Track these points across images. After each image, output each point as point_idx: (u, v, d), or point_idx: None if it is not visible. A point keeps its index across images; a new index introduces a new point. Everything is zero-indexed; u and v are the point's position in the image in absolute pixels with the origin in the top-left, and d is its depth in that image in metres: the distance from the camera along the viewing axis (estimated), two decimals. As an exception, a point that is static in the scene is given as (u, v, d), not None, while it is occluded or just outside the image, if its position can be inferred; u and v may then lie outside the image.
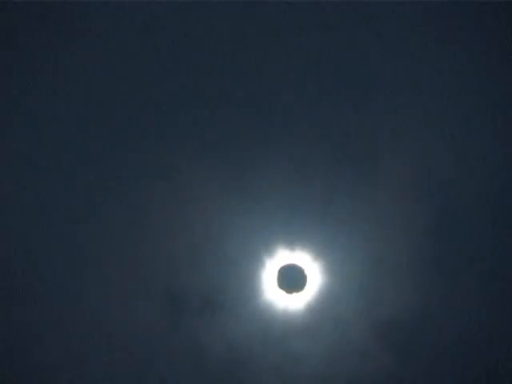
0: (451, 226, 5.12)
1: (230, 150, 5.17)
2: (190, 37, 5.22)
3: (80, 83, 5.20)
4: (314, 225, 5.09)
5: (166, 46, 5.22)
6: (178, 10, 5.20)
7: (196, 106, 5.20)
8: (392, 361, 5.10)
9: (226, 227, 5.07)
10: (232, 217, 5.07)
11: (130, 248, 5.11)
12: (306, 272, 5.00)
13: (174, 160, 5.13)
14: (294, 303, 5.03)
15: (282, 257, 5.02)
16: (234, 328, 5.06)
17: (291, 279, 4.99)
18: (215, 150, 5.17)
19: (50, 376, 5.03)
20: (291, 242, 5.01)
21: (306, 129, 5.19)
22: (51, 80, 5.17)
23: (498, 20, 5.19)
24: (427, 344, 5.18)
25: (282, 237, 5.01)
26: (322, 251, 5.05)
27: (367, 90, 5.19)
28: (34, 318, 5.07)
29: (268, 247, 5.01)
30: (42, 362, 5.04)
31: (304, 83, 5.19)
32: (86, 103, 5.19)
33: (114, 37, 5.21)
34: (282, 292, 5.00)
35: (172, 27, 5.22)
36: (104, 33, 5.21)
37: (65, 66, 5.16)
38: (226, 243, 5.06)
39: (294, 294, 5.00)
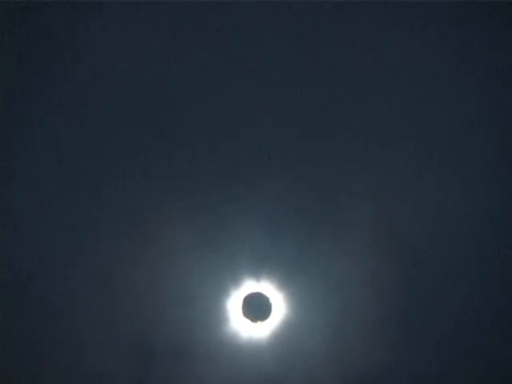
0: (422, 281, 5.14)
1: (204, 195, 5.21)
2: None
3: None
4: (282, 257, 5.15)
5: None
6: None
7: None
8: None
9: (194, 266, 5.12)
10: (200, 254, 5.12)
11: (101, 299, 5.14)
12: (271, 301, 5.06)
13: (144, 211, 5.16)
14: (258, 332, 5.10)
15: (248, 286, 5.08)
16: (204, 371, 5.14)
17: (256, 308, 5.05)
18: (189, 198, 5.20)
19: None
20: (257, 272, 5.07)
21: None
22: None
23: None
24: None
25: (248, 266, 5.06)
26: (287, 283, 5.11)
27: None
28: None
29: (234, 277, 5.08)
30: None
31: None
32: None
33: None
34: (247, 321, 5.07)
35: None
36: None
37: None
38: (194, 282, 5.11)
39: (259, 323, 5.07)
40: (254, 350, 5.09)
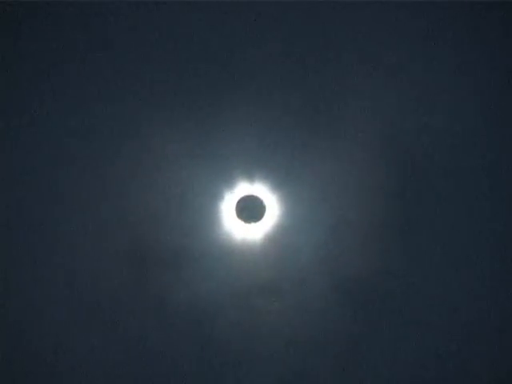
0: (418, 188, 5.17)
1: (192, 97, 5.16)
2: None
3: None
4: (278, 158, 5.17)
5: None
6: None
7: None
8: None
9: (188, 170, 5.15)
10: (193, 155, 5.13)
11: (95, 206, 5.19)
12: (265, 202, 5.12)
13: (135, 119, 5.13)
14: (252, 233, 5.19)
15: (241, 188, 5.13)
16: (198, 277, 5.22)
17: (250, 209, 5.12)
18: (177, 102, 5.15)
19: (15, 332, 5.22)
20: (251, 174, 5.10)
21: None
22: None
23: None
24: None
25: (242, 169, 5.09)
26: (281, 186, 5.15)
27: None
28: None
29: (227, 180, 5.12)
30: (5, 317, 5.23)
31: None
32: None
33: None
34: (241, 222, 5.15)
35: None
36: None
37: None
38: (188, 184, 5.15)
39: (253, 224, 5.15)
40: (247, 252, 5.20)
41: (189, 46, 5.16)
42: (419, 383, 5.38)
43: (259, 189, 5.13)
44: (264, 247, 5.22)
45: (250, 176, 5.09)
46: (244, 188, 5.12)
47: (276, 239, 5.24)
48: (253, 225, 5.15)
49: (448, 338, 5.31)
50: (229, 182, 5.11)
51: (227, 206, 5.17)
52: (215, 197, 5.18)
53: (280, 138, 5.20)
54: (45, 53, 5.09)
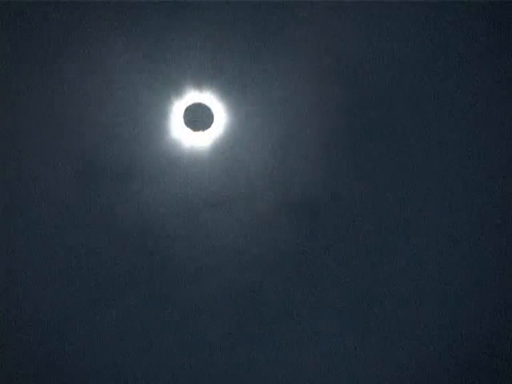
0: (367, 106, 5.12)
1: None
2: None
3: None
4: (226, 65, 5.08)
5: None
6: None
7: None
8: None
9: (135, 75, 5.04)
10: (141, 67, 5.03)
11: (44, 120, 5.06)
12: (213, 110, 5.05)
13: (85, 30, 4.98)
14: (200, 141, 5.13)
15: (190, 96, 5.05)
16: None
17: (198, 117, 5.05)
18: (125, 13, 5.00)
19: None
20: (199, 82, 5.02)
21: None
22: None
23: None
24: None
25: (191, 77, 5.00)
26: (230, 91, 5.08)
27: None
28: None
29: (176, 88, 5.02)
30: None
31: None
32: None
33: None
34: (189, 130, 5.08)
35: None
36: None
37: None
38: (136, 91, 5.05)
39: (201, 132, 5.08)
40: (195, 160, 5.15)
41: None
42: (369, 299, 5.45)
43: (208, 97, 5.05)
44: (212, 157, 5.18)
45: (199, 84, 5.01)
46: (192, 96, 5.04)
47: (224, 150, 5.20)
48: (201, 133, 5.09)
49: (394, 252, 5.38)
50: (177, 90, 5.02)
51: (176, 115, 5.09)
52: (164, 107, 5.09)
53: (233, 49, 5.10)
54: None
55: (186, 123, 5.05)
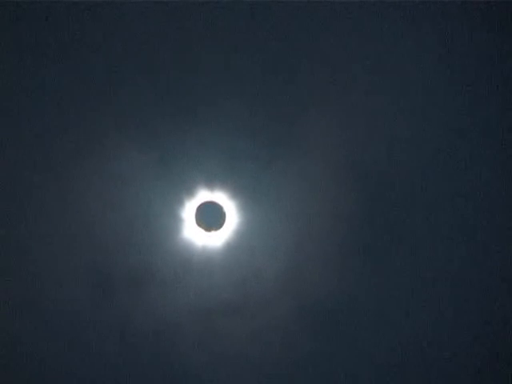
0: (383, 213, 5.12)
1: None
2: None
3: None
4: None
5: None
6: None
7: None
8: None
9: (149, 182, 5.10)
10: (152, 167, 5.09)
11: (57, 227, 5.12)
12: (225, 209, 5.02)
13: (98, 137, 5.10)
14: (212, 241, 5.08)
15: (201, 196, 5.05)
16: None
17: (210, 217, 5.02)
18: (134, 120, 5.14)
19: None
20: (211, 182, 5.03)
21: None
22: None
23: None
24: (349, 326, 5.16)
25: (202, 176, 5.03)
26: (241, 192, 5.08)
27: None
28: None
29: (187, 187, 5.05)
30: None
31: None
32: None
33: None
34: (201, 230, 5.05)
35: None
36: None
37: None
38: (150, 201, 5.09)
39: (213, 232, 5.04)
40: (208, 262, 5.09)
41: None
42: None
43: (221, 199, 5.06)
44: (224, 260, 5.12)
45: (212, 189, 5.03)
46: (205, 199, 5.05)
47: (237, 251, 5.13)
48: (213, 234, 5.06)
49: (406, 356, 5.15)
50: (190, 194, 5.04)
51: (188, 220, 5.09)
52: (176, 209, 5.10)
53: (244, 154, 5.12)
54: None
55: (198, 223, 5.03)
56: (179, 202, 5.06)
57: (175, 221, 5.06)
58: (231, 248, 5.10)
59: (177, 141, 5.03)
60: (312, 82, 5.05)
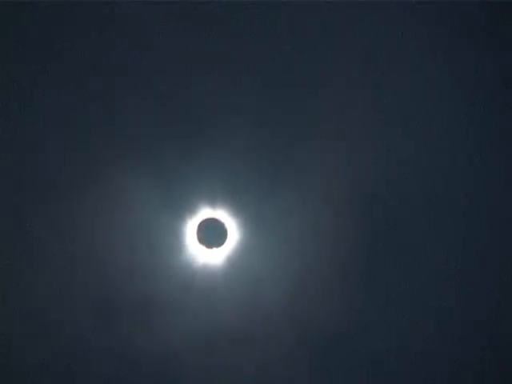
0: (386, 239, 5.17)
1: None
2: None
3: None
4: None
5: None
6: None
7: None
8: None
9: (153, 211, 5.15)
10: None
11: (59, 254, 5.13)
12: (227, 226, 5.06)
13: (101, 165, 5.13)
14: (214, 258, 5.10)
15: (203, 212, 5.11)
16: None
17: (211, 234, 5.06)
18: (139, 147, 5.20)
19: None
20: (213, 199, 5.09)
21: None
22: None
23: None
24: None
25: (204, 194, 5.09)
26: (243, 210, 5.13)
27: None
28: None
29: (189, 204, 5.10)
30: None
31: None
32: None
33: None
34: (203, 247, 5.08)
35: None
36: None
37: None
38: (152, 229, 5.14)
39: (214, 249, 5.07)
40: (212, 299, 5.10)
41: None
42: None
43: (221, 214, 5.11)
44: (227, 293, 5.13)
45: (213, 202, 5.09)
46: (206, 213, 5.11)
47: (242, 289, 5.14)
48: (214, 249, 5.08)
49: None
50: (193, 216, 5.10)
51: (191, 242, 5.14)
52: (178, 228, 5.14)
53: (248, 181, 5.19)
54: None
55: (199, 240, 5.07)
56: (183, 229, 5.11)
57: (179, 247, 5.10)
58: (232, 276, 5.13)
59: (180, 169, 5.10)
60: (317, 110, 5.12)
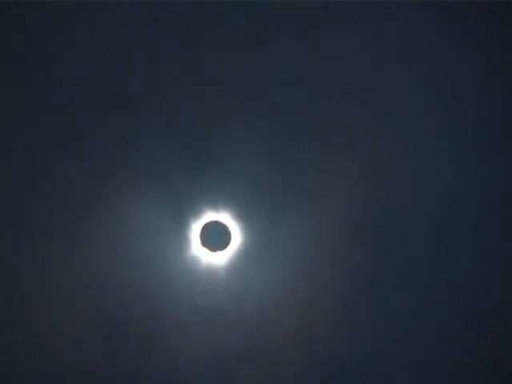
0: (392, 265, 5.18)
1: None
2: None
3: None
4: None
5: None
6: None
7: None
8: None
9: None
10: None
11: (70, 276, 5.17)
12: (230, 229, 5.11)
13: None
14: (217, 260, 5.16)
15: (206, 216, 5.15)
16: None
17: (215, 236, 5.11)
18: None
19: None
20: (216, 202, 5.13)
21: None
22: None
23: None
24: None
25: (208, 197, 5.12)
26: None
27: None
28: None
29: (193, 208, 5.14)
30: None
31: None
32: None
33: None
34: (206, 250, 5.14)
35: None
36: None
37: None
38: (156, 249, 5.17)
39: (218, 252, 5.12)
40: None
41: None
42: None
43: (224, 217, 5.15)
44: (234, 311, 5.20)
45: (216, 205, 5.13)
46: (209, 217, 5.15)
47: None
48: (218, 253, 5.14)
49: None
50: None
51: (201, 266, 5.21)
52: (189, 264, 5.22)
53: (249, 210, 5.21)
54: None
55: (202, 243, 5.11)
56: (193, 256, 5.19)
57: (187, 269, 5.17)
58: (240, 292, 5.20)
59: (191, 191, 5.13)
60: (315, 142, 5.14)
